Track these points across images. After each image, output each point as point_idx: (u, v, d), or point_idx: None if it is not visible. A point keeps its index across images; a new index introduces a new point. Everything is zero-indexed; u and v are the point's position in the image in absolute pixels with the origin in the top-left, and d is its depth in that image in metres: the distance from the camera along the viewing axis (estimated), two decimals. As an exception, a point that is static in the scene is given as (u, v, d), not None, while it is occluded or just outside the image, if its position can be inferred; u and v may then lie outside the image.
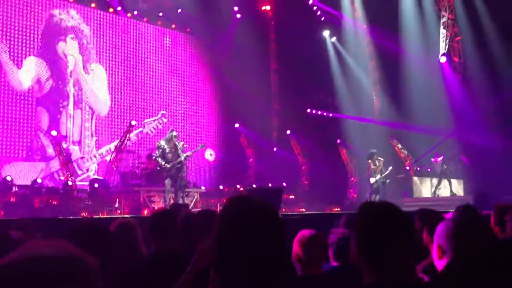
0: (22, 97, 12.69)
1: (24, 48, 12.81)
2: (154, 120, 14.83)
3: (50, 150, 12.77)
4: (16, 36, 12.71)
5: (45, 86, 13.07)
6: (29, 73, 12.79)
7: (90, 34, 14.10)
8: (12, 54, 12.59)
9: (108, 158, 13.40)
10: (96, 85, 14.12)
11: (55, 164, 12.60)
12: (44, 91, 13.04)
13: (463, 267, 1.13)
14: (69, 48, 13.59)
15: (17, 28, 12.73)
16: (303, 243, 2.69)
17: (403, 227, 1.68)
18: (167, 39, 15.90)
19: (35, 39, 13.01)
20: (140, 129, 13.98)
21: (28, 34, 12.90)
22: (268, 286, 1.29)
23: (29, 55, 12.89)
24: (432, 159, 14.57)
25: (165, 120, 14.96)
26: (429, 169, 15.45)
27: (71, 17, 13.71)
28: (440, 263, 2.08)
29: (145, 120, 14.74)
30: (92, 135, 13.87)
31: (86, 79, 13.92)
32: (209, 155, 15.89)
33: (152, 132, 14.81)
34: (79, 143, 13.56)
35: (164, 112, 15.09)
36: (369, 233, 1.67)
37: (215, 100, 16.83)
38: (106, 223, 3.16)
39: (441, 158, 14.35)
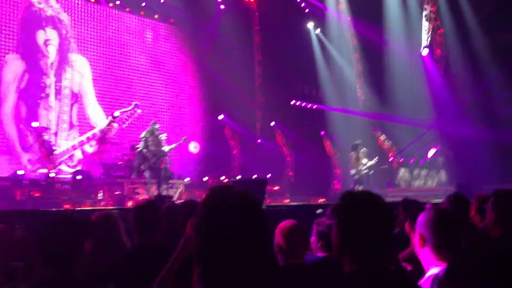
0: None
1: (2, 40, 12.51)
2: (124, 112, 13.50)
3: (30, 142, 12.57)
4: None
5: (24, 79, 12.78)
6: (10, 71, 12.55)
7: (70, 24, 13.80)
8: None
9: (90, 149, 13.22)
10: (76, 76, 13.88)
11: (35, 156, 12.40)
12: (22, 84, 12.75)
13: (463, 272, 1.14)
14: (49, 38, 13.30)
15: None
16: (284, 233, 2.70)
17: (383, 216, 1.70)
18: (148, 33, 15.60)
19: (13, 30, 12.70)
20: (110, 117, 13.08)
21: (5, 25, 12.58)
22: (250, 276, 1.29)
23: (7, 46, 12.59)
24: (432, 149, 14.53)
25: (139, 111, 13.76)
26: (411, 160, 15.63)
27: (50, 7, 13.41)
28: (421, 252, 2.11)
29: (116, 112, 13.29)
30: (72, 127, 13.65)
31: (67, 70, 13.68)
32: (193, 147, 15.83)
33: (125, 124, 14.14)
34: (56, 134, 13.30)
35: (137, 103, 13.81)
36: (349, 222, 1.68)
37: (199, 92, 16.71)
38: (88, 215, 3.13)
39: (436, 149, 14.45)
